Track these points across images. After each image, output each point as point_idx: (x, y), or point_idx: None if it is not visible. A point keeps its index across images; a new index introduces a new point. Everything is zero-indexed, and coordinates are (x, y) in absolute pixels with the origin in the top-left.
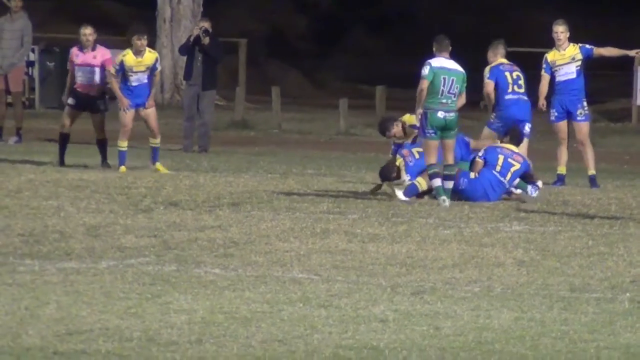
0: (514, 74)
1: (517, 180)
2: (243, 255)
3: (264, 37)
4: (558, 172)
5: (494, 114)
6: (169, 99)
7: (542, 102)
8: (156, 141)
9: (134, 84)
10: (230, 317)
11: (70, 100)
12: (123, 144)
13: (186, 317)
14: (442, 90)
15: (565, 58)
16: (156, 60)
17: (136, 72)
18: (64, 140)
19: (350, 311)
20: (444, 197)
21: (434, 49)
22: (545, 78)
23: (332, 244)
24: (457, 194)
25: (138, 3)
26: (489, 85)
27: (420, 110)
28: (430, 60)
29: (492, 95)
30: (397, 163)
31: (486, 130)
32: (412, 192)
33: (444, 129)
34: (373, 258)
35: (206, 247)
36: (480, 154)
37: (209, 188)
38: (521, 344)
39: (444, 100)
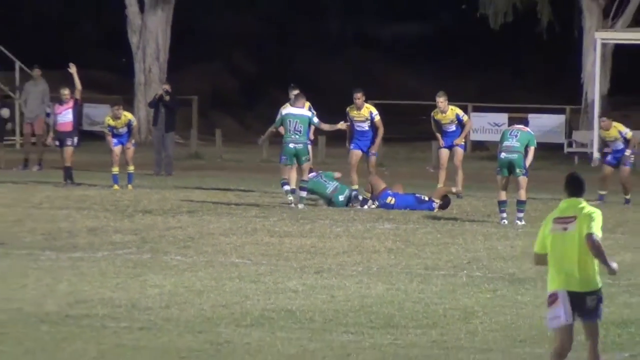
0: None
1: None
2: (197, 247)
3: (209, 94)
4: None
5: None
6: (144, 139)
7: None
8: (131, 168)
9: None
10: (189, 290)
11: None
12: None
13: (158, 290)
14: (290, 129)
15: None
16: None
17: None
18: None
19: (272, 285)
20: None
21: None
22: None
23: (259, 238)
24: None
25: (120, 72)
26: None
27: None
28: (281, 109)
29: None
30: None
31: None
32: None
33: (296, 156)
34: (287, 248)
35: (171, 242)
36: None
37: (173, 200)
38: (391, 306)
39: (292, 136)
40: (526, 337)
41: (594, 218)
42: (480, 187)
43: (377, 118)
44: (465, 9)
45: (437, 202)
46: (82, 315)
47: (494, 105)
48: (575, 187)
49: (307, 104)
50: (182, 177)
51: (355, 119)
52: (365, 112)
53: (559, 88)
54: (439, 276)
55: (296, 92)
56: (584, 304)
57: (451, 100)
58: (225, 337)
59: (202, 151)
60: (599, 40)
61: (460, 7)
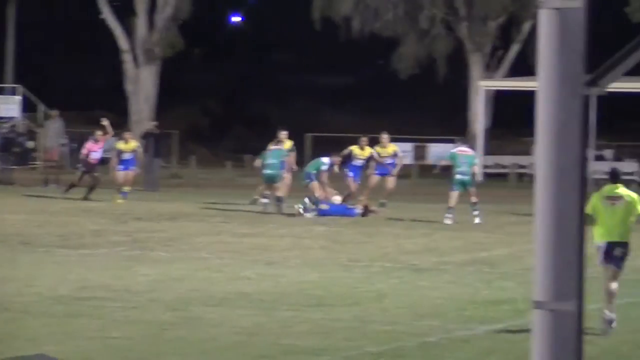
0: None
1: None
2: (176, 245)
3: (186, 130)
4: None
5: None
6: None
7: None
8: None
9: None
10: (169, 277)
11: None
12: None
13: (145, 278)
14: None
15: None
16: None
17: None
18: None
19: (232, 274)
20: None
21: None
22: None
23: (223, 238)
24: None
25: (119, 112)
26: None
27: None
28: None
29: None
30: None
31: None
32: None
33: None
34: (244, 245)
35: (157, 241)
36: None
37: (158, 210)
38: (322, 289)
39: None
40: (425, 313)
41: (637, 201)
42: (392, 199)
43: (400, 153)
44: (381, 64)
45: (359, 211)
46: (87, 297)
47: (404, 137)
48: (616, 177)
49: (290, 142)
50: (165, 192)
51: (381, 154)
52: (390, 150)
53: (452, 123)
54: (359, 266)
55: (284, 133)
56: (614, 252)
57: (370, 133)
58: (196, 313)
59: (180, 172)
60: (482, 87)
61: (377, 63)
